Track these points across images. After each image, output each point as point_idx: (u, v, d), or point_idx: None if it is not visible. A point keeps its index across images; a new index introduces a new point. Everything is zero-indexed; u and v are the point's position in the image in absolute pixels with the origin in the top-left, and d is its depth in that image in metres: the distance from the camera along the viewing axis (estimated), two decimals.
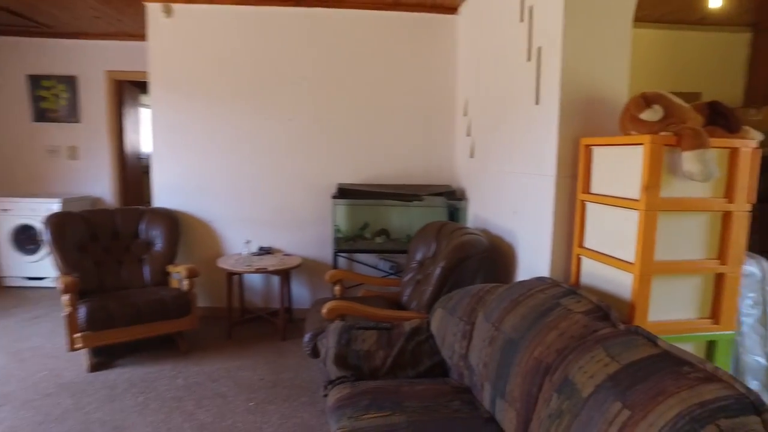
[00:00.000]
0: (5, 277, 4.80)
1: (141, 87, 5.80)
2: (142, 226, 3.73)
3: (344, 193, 3.80)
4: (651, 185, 1.72)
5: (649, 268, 1.77)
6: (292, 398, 2.80)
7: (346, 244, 3.89)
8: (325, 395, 2.10)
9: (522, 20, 2.53)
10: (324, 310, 2.57)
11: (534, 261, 2.44)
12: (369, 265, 4.06)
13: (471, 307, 2.12)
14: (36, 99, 5.13)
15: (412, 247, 3.28)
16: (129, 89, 5.51)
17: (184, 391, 2.84)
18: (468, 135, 3.62)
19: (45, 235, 3.32)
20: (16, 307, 4.22)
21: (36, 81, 5.10)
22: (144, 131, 6.08)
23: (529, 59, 2.44)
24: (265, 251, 3.98)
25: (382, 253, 3.95)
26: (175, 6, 3.87)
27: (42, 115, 5.15)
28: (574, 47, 2.11)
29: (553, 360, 1.56)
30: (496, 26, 3.03)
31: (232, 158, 4.02)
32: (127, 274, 3.56)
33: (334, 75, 3.96)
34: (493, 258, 2.81)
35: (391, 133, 4.04)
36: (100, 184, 5.25)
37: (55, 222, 3.37)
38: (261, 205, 4.07)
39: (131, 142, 5.63)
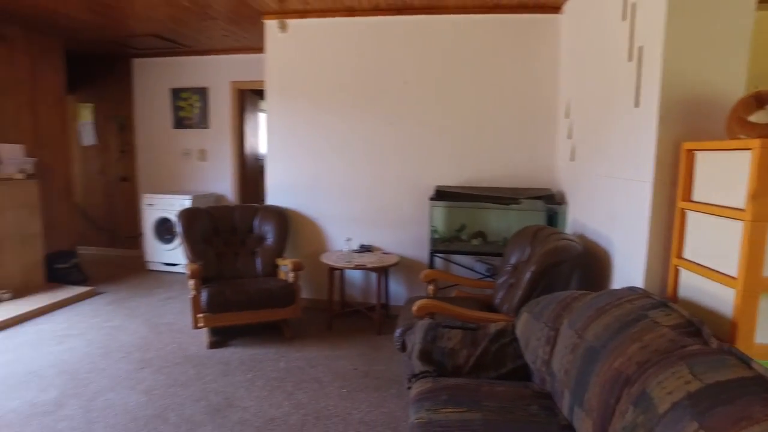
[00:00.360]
0: (148, 261, 5.59)
1: (260, 94, 6.38)
2: (256, 222, 4.14)
3: (442, 194, 3.88)
4: (759, 194, 1.59)
5: (755, 284, 1.63)
6: (382, 389, 2.96)
7: (443, 244, 3.97)
8: (409, 387, 2.21)
9: (624, 18, 2.42)
10: (414, 308, 2.68)
11: (629, 270, 2.33)
12: (465, 267, 4.10)
13: (557, 313, 2.10)
14: (176, 109, 5.90)
15: (507, 250, 3.27)
16: (250, 97, 6.10)
17: (286, 373, 3.13)
18: (569, 137, 3.50)
19: (178, 227, 3.84)
20: (156, 288, 4.91)
21: (176, 93, 5.87)
22: (262, 134, 6.68)
23: (630, 59, 2.33)
24: (365, 249, 4.20)
25: (477, 255, 3.97)
26: (290, 21, 4.23)
27: (180, 122, 5.91)
28: (677, 45, 1.98)
29: (632, 372, 1.52)
30: (598, 24, 2.91)
31: (337, 160, 4.30)
32: (242, 264, 3.98)
33: (434, 79, 4.06)
34: (587, 265, 2.72)
35: (491, 135, 4.04)
36: (224, 183, 5.89)
37: (186, 216, 3.88)
38: (363, 204, 4.30)
39: (251, 145, 6.23)
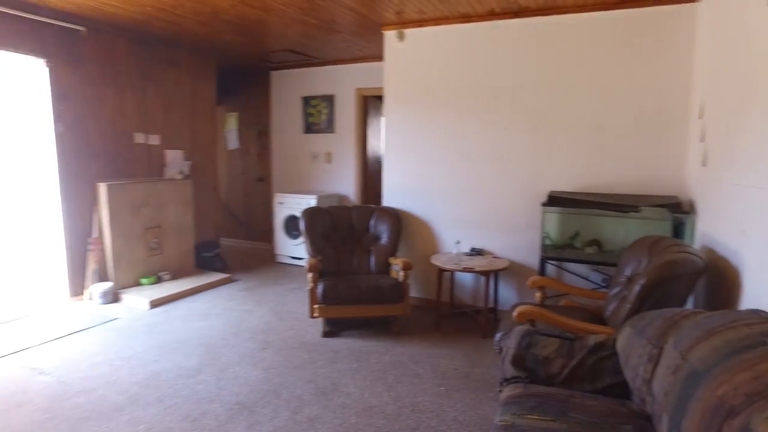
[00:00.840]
0: (277, 254, 6.19)
1: (382, 99, 6.70)
2: (372, 222, 4.39)
3: (555, 200, 3.76)
4: None
5: None
6: (479, 391, 2.98)
7: (555, 251, 3.84)
8: (500, 391, 2.23)
9: None
10: (514, 313, 2.67)
11: (762, 291, 2.07)
12: (580, 276, 3.92)
13: (662, 331, 1.95)
14: (306, 115, 6.44)
15: (622, 260, 3.07)
16: (373, 102, 6.42)
17: (389, 366, 3.30)
18: (702, 140, 3.17)
19: (301, 224, 4.23)
20: (282, 279, 5.44)
21: (307, 101, 6.41)
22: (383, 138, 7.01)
23: None
24: (476, 252, 4.22)
25: (591, 264, 3.78)
26: (407, 31, 4.41)
27: (309, 127, 6.45)
28: None
29: (738, 403, 1.38)
30: (740, 13, 2.61)
31: (451, 164, 4.38)
32: (357, 261, 4.25)
33: (551, 81, 3.94)
34: (712, 283, 2.46)
35: (610, 139, 3.81)
36: (346, 184, 6.29)
37: (309, 214, 4.25)
38: (475, 208, 4.32)
39: (373, 148, 6.56)
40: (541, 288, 3.28)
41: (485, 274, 3.87)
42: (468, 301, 4.46)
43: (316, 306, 3.71)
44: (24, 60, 4.08)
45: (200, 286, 4.92)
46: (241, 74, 6.81)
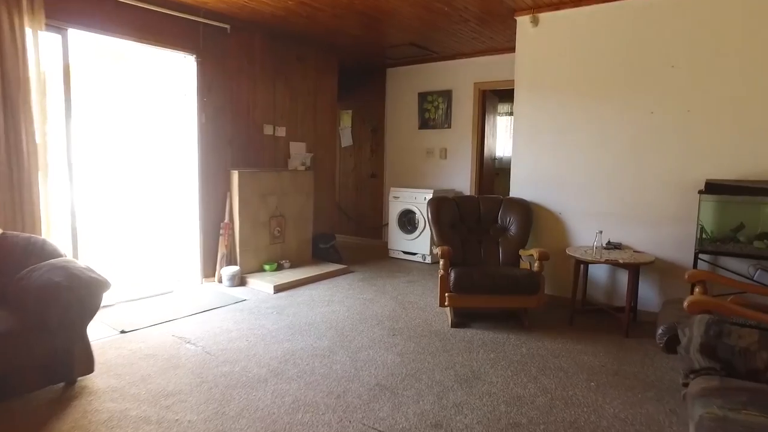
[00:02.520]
0: (390, 249, 6.14)
1: (500, 95, 6.49)
2: (501, 213, 4.16)
3: (715, 188, 3.32)
4: None
5: None
6: (636, 390, 2.65)
7: (713, 245, 3.38)
8: (685, 384, 1.95)
9: None
10: (685, 303, 2.33)
11: None
12: (740, 275, 3.41)
13: None
14: (422, 111, 6.38)
15: None
16: (489, 98, 6.21)
17: (528, 358, 3.05)
18: None
19: (427, 213, 4.11)
20: (397, 272, 5.36)
21: (423, 97, 6.35)
22: (499, 137, 6.75)
23: None
24: (613, 246, 3.84)
25: (760, 259, 3.27)
26: (541, 15, 4.17)
27: (425, 123, 6.38)
28: None
29: None
30: None
31: (585, 153, 4.05)
32: (485, 253, 4.04)
33: (708, 59, 3.50)
34: None
35: None
36: (461, 180, 6.12)
37: (435, 204, 4.12)
38: (612, 199, 3.95)
39: (488, 146, 6.33)
40: (701, 283, 2.86)
41: (630, 267, 3.48)
42: (600, 298, 4.07)
43: (447, 294, 3.55)
44: (178, 57, 4.40)
45: (319, 275, 4.97)
46: (357, 73, 6.92)
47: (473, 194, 6.04)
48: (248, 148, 5.03)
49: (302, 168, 5.43)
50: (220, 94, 4.70)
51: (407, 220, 5.96)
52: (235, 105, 4.86)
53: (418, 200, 5.74)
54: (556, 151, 4.19)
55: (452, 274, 3.51)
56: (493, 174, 6.70)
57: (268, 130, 5.21)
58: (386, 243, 6.24)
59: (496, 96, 6.54)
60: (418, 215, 5.77)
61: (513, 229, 4.06)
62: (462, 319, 3.75)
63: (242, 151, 4.97)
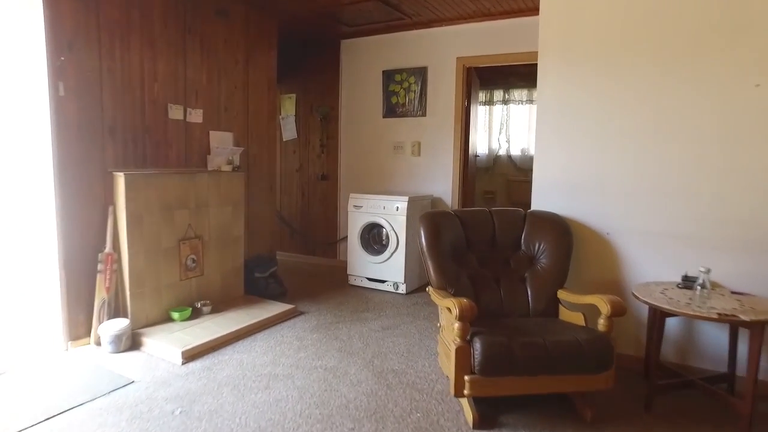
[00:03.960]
0: (352, 275, 4.65)
1: (480, 78, 5.17)
2: (525, 235, 2.82)
3: None
4: None
5: None
6: None
7: None
8: None
9: None
10: None
11: None
12: None
13: None
14: (387, 94, 4.97)
15: None
16: (474, 81, 4.88)
17: None
18: None
19: (421, 238, 2.68)
20: (364, 311, 3.89)
21: (389, 76, 4.95)
22: (480, 129, 5.44)
23: None
24: (690, 281, 2.57)
25: None
26: None
27: (391, 110, 4.99)
28: None
29: None
30: None
31: (645, 147, 2.78)
32: (506, 296, 2.68)
33: None
34: None
35: None
36: (440, 183, 4.77)
37: (431, 222, 2.70)
38: (689, 214, 2.70)
39: (471, 140, 5.01)
40: None
41: (755, 327, 2.22)
42: (670, 356, 2.82)
43: (468, 378, 2.14)
44: None
45: (255, 324, 3.42)
46: (302, 46, 5.39)
47: (457, 202, 4.68)
48: (143, 139, 3.39)
49: (228, 168, 3.84)
50: (92, 55, 3.04)
51: (373, 237, 4.52)
52: (120, 73, 3.20)
53: (388, 210, 4.30)
54: (599, 143, 2.90)
55: (476, 347, 2.11)
56: (473, 175, 5.39)
57: (175, 112, 3.59)
58: (344, 263, 4.75)
59: (489, 73, 5.25)
60: (387, 230, 4.33)
61: (544, 259, 2.72)
62: (488, 410, 2.35)
63: (132, 143, 3.32)
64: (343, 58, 5.22)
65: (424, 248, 2.66)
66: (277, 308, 3.71)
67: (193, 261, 3.54)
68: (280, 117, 5.64)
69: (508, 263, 2.79)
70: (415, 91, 4.78)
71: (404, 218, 4.23)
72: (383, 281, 4.43)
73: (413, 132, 4.85)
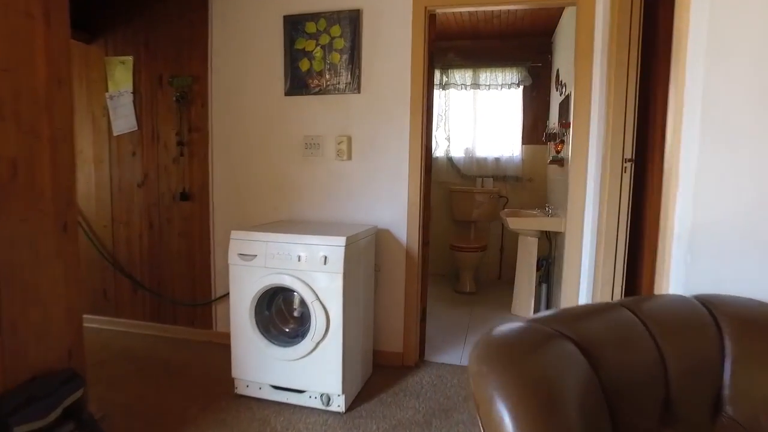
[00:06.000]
0: (239, 379, 2.56)
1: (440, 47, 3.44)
2: (728, 373, 1.07)
3: None
4: None
5: None
6: None
7: None
8: None
9: None
10: None
11: None
12: None
13: None
14: (292, 57, 2.94)
15: None
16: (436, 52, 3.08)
17: None
18: None
19: (506, 418, 0.80)
20: None
21: (295, 26, 2.92)
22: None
23: None
24: None
25: None
26: None
27: (299, 83, 2.94)
28: None
29: None
30: None
31: None
32: None
33: None
34: None
35: None
36: (384, 205, 2.88)
37: (529, 380, 0.83)
38: None
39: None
40: None
41: None
42: None
43: None
44: None
45: None
46: None
47: (416, 232, 2.84)
48: None
49: None
50: None
51: (280, 313, 2.51)
52: None
53: (308, 263, 2.33)
54: None
55: None
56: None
57: None
58: (225, 344, 2.63)
59: (446, 43, 3.46)
60: (302, 298, 2.36)
61: None
62: None
63: None
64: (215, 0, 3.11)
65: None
66: None
67: None
68: (107, 95, 3.36)
69: None
70: (340, 50, 2.85)
71: (340, 276, 2.29)
72: (301, 391, 2.44)
73: (339, 120, 2.92)
